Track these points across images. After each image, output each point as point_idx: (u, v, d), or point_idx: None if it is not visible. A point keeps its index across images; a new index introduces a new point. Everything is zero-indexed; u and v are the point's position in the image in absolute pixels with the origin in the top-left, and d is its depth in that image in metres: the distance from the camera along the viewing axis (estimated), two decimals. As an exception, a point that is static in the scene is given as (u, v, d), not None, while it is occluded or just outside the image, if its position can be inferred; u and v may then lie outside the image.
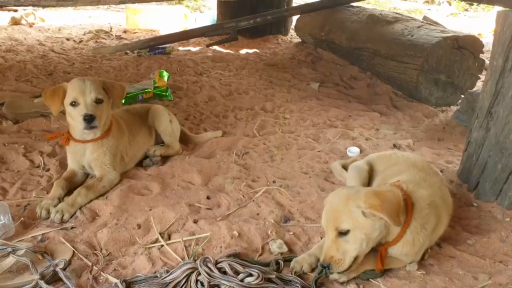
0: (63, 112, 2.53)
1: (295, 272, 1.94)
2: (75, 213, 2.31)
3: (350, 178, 2.44)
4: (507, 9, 2.62)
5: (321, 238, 2.21)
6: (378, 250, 1.94)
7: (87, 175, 2.68)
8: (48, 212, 2.28)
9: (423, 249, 2.04)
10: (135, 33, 6.94)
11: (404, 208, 1.90)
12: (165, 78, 4.14)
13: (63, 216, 2.25)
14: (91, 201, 2.41)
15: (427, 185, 2.08)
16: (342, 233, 1.82)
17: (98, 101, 2.44)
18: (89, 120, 2.37)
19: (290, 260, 2.02)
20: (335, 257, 1.81)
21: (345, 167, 2.76)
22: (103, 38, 6.44)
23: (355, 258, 1.85)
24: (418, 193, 1.99)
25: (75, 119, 2.44)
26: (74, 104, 2.41)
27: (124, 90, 2.65)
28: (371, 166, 2.46)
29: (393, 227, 1.86)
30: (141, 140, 2.90)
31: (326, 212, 1.90)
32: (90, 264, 1.97)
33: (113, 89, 2.54)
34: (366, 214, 1.80)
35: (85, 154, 2.57)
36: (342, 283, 1.92)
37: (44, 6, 2.36)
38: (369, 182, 2.41)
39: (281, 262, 1.99)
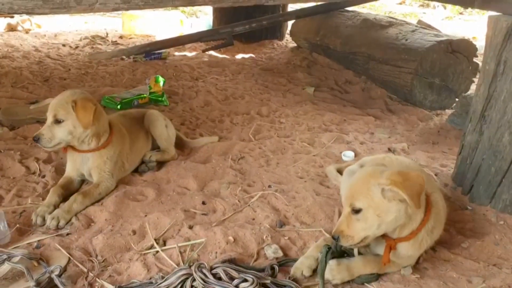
0: None
1: (294, 279, 1.94)
2: (70, 219, 2.31)
3: (344, 183, 2.45)
4: (499, 13, 2.64)
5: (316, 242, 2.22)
6: (383, 248, 1.95)
7: (82, 182, 2.69)
8: (44, 219, 2.28)
9: (422, 251, 2.05)
10: (131, 38, 6.95)
11: (423, 208, 1.91)
12: (161, 84, 4.15)
13: (58, 222, 2.26)
14: (86, 207, 2.41)
15: (437, 189, 2.10)
16: (355, 211, 1.83)
17: (57, 121, 2.41)
18: (36, 140, 2.41)
19: (285, 265, 2.04)
20: (345, 232, 1.85)
21: (340, 171, 2.77)
22: (99, 44, 6.45)
23: (365, 238, 1.86)
24: (433, 195, 2.01)
25: None
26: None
27: (90, 113, 2.41)
28: None
29: (412, 220, 1.87)
30: (140, 146, 2.91)
31: (347, 187, 1.91)
32: (85, 270, 1.97)
33: (80, 111, 2.39)
34: (385, 193, 1.79)
35: (86, 163, 2.58)
36: (335, 286, 1.93)
37: (38, 14, 2.37)
38: None
39: (276, 267, 1.99)
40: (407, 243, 1.94)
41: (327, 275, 1.91)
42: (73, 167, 2.61)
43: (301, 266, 1.97)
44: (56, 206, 2.38)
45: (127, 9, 2.21)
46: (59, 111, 2.41)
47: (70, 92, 2.50)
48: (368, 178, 1.85)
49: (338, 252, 1.98)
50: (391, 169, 1.90)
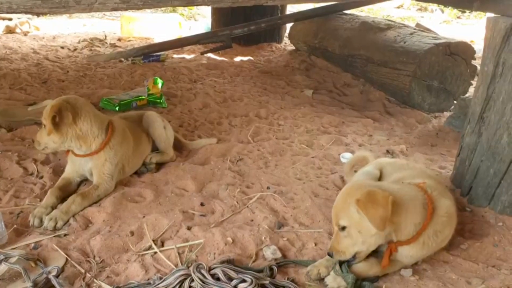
0: None
1: (292, 280, 1.94)
2: (68, 220, 2.30)
3: None
4: (497, 15, 2.65)
5: (315, 244, 2.22)
6: (383, 251, 1.98)
7: (80, 183, 2.68)
8: (41, 221, 2.28)
9: (428, 254, 2.07)
10: (129, 41, 6.94)
11: (424, 212, 1.95)
12: (159, 85, 4.15)
13: (56, 223, 2.25)
14: (84, 208, 2.40)
15: (448, 196, 2.13)
16: (341, 228, 1.90)
17: (45, 126, 2.44)
18: (33, 141, 2.63)
19: (283, 266, 2.03)
20: (336, 248, 1.92)
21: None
22: (98, 46, 6.44)
23: (357, 253, 1.92)
24: (440, 201, 2.03)
25: None
26: None
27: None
28: (381, 171, 2.45)
29: (405, 228, 1.91)
30: (142, 149, 2.90)
31: (334, 205, 1.97)
32: (83, 271, 1.96)
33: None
34: (358, 211, 1.85)
35: (86, 164, 2.57)
36: None
37: (37, 13, 2.38)
38: None
39: (275, 268, 1.99)
40: (408, 246, 1.96)
41: (332, 283, 1.92)
42: (73, 168, 2.60)
43: (319, 266, 1.97)
44: (53, 207, 2.37)
45: (126, 9, 2.21)
46: (44, 116, 2.43)
47: (61, 97, 2.50)
48: (346, 197, 1.92)
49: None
50: (370, 184, 1.96)
